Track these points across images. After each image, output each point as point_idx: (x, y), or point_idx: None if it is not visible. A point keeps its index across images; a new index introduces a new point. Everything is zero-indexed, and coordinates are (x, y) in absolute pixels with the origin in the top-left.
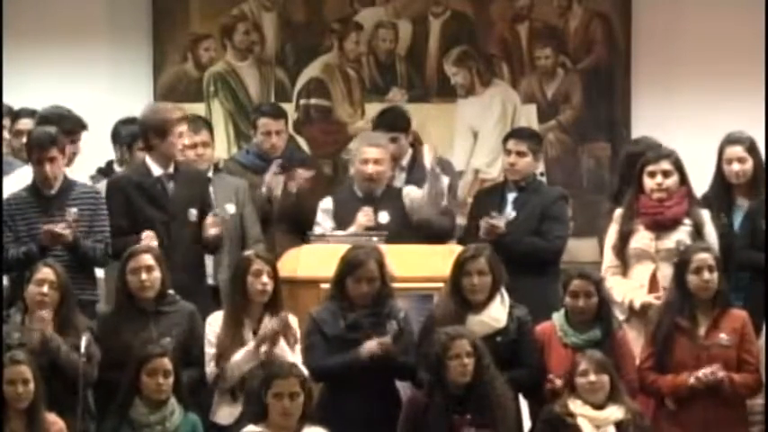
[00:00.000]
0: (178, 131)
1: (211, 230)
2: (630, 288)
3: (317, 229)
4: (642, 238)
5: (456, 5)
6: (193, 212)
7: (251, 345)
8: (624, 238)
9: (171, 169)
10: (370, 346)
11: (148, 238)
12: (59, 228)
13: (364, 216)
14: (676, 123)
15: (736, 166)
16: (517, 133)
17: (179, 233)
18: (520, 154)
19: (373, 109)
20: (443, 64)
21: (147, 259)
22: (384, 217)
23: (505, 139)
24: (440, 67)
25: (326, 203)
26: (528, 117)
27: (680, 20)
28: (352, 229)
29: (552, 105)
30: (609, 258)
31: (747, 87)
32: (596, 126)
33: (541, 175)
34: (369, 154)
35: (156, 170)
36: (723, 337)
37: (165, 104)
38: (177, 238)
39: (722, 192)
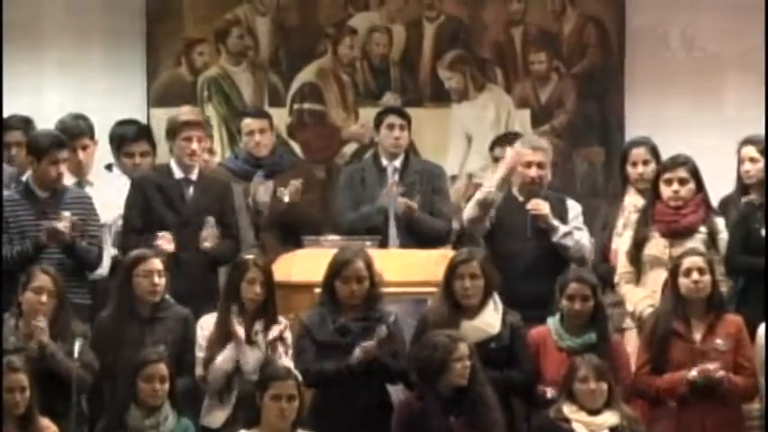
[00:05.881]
0: (183, 135)
1: (205, 243)
2: (642, 298)
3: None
4: (656, 245)
5: (450, 10)
6: (210, 220)
7: (230, 346)
8: (639, 244)
9: (193, 175)
10: (357, 351)
11: (164, 239)
12: (60, 225)
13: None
14: (670, 127)
15: (747, 166)
16: (502, 140)
17: (192, 238)
18: None
19: (367, 113)
20: (437, 68)
21: (158, 264)
22: None
23: (491, 147)
24: (434, 72)
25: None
26: (522, 122)
27: (673, 24)
28: None
29: (546, 110)
30: (623, 264)
31: (740, 92)
32: (590, 130)
33: None
34: (532, 157)
35: (178, 173)
36: (719, 342)
37: (181, 109)
38: (189, 242)
39: (742, 192)
